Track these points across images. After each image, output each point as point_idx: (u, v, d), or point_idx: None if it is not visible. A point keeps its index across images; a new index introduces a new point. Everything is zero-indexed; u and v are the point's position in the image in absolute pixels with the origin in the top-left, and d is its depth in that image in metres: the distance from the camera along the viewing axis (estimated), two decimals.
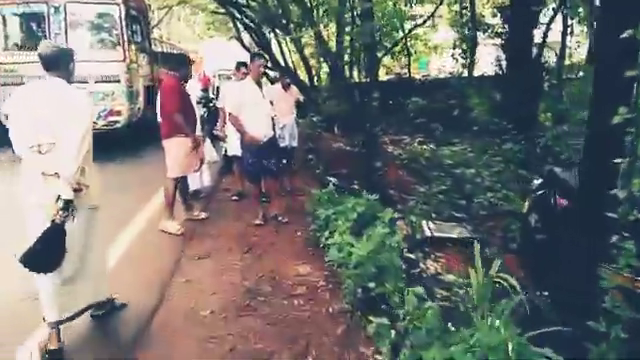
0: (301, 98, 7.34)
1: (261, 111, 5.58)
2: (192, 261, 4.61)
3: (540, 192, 5.94)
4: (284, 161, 6.84)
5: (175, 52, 14.25)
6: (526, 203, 6.48)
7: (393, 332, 2.98)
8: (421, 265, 6.25)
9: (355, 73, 14.46)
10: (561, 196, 5.40)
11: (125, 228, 5.34)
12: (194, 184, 6.54)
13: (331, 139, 11.86)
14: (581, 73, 14.91)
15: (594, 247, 4.96)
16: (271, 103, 5.94)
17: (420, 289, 3.16)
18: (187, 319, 3.52)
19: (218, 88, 16.85)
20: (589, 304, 4.91)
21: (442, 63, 17.65)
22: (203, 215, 6.00)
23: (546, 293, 5.93)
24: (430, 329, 2.77)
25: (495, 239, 7.54)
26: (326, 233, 4.66)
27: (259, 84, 5.72)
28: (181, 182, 5.61)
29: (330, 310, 3.64)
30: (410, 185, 10.23)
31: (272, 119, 5.93)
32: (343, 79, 9.59)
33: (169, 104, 5.24)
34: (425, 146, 13.62)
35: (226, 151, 7.71)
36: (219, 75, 18.66)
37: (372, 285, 3.49)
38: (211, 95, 10.12)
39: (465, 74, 17.05)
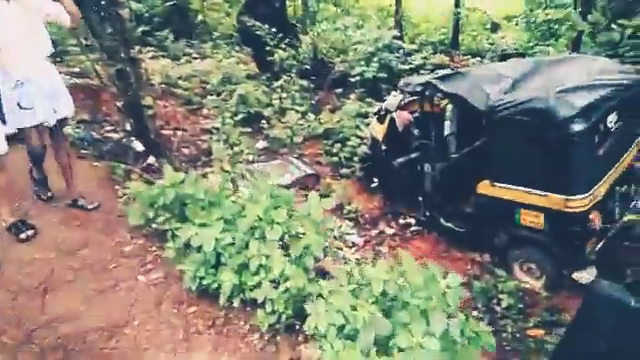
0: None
1: None
2: None
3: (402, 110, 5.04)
4: None
5: None
6: (374, 124, 5.53)
7: None
8: None
9: None
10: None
11: None
12: None
13: None
14: None
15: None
16: None
17: None
18: None
19: None
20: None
21: None
22: None
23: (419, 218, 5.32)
24: None
25: (325, 168, 6.51)
26: (228, 276, 2.44)
27: None
28: None
29: None
30: (187, 119, 7.99)
31: None
32: None
33: None
34: (164, 61, 11.06)
35: None
36: None
37: None
38: None
39: None
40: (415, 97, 4.97)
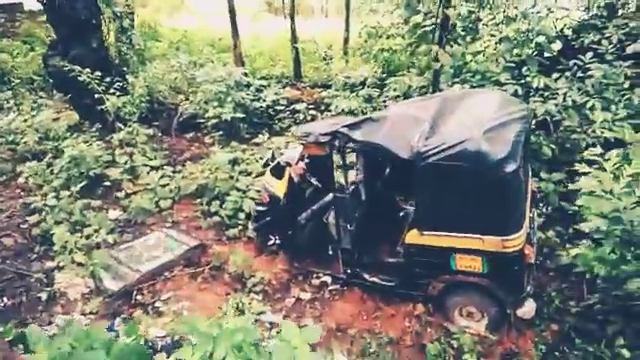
0: None
1: None
2: None
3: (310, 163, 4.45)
4: None
5: None
6: (269, 179, 4.81)
7: None
8: None
9: None
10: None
11: None
12: None
13: None
14: None
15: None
16: None
17: None
18: None
19: None
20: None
21: None
22: None
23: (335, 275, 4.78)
24: None
25: (207, 232, 5.52)
26: None
27: None
28: None
29: None
30: None
31: None
32: None
33: None
34: None
35: None
36: None
37: None
38: None
39: None
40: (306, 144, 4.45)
